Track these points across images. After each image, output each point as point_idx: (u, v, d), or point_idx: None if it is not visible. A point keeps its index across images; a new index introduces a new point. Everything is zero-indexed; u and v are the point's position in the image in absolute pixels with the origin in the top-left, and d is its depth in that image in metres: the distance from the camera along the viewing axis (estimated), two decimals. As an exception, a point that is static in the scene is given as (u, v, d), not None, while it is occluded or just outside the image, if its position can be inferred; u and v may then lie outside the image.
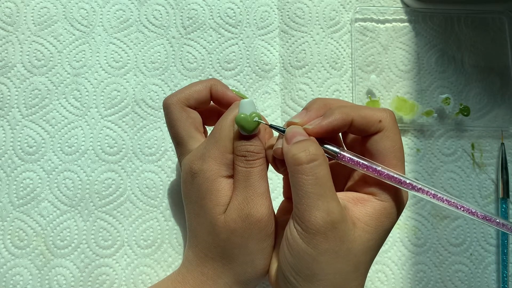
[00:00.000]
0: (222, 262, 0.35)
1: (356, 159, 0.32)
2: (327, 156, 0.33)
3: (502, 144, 0.49)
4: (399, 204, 0.33)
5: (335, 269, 0.31)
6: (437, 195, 0.32)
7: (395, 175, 0.32)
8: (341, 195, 0.33)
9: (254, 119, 0.34)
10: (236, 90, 0.42)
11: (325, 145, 0.33)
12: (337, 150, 0.33)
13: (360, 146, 0.34)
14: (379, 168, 0.32)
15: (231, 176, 0.36)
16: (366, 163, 0.32)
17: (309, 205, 0.30)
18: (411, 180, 0.32)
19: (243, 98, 0.39)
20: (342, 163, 0.33)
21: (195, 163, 0.36)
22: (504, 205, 0.48)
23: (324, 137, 0.33)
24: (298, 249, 0.31)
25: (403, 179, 0.32)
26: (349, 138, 0.36)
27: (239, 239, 0.34)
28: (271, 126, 0.35)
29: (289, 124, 0.34)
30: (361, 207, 0.32)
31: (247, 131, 0.34)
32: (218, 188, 0.35)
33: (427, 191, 0.32)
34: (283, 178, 0.39)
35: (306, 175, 0.30)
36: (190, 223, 0.38)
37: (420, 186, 0.32)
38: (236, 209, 0.34)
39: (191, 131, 0.38)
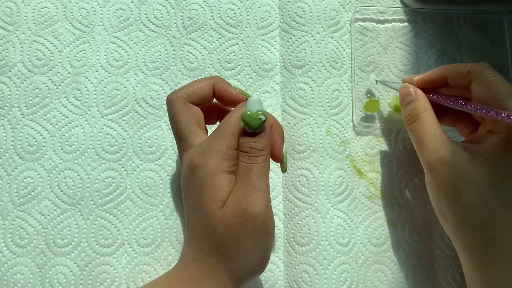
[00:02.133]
0: (217, 258, 0.35)
1: (454, 99, 0.40)
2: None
3: None
4: None
5: (458, 202, 0.37)
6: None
7: (491, 110, 0.36)
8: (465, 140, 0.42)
9: (259, 117, 0.35)
10: (240, 88, 0.42)
11: (433, 96, 0.41)
12: (441, 95, 0.41)
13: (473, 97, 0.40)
14: (474, 105, 0.38)
15: (232, 172, 0.36)
16: (462, 100, 0.39)
17: (421, 150, 0.39)
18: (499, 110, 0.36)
19: (246, 96, 0.40)
20: (446, 105, 0.41)
21: (197, 158, 0.36)
22: None
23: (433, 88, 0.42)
24: (430, 186, 0.39)
25: (501, 112, 0.36)
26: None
27: (234, 235, 0.34)
28: (382, 82, 0.47)
29: (404, 80, 0.44)
30: (480, 144, 0.37)
31: (252, 128, 0.35)
32: (217, 182, 0.35)
33: None
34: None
35: (412, 130, 0.40)
36: (188, 218, 0.38)
37: None
38: (233, 204, 0.34)
39: (193, 126, 0.38)
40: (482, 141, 0.37)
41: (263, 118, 0.35)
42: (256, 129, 0.35)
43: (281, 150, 0.39)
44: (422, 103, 0.40)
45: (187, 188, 0.37)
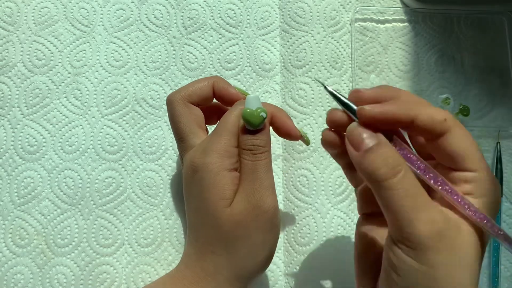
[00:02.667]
0: (223, 256, 0.35)
1: (422, 164, 0.29)
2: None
3: (498, 143, 0.49)
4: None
5: (453, 283, 0.27)
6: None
7: (464, 198, 0.28)
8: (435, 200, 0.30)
9: (260, 114, 0.35)
10: (239, 87, 0.42)
11: (395, 138, 0.29)
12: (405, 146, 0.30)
13: (433, 151, 0.31)
14: (452, 188, 0.28)
15: (234, 170, 0.36)
16: (432, 173, 0.29)
17: (408, 220, 0.27)
18: (477, 211, 0.28)
19: (245, 95, 0.40)
20: (418, 175, 0.29)
21: (198, 158, 0.36)
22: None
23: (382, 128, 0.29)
24: (410, 271, 0.27)
25: (461, 199, 0.28)
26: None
27: (243, 231, 0.35)
28: (332, 95, 0.31)
29: (354, 92, 0.30)
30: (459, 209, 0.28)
31: (253, 126, 0.35)
32: (221, 181, 0.35)
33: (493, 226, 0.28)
34: (358, 191, 0.36)
35: (394, 189, 0.27)
36: (190, 218, 0.38)
37: (484, 216, 0.28)
38: (243, 201, 0.35)
39: (193, 127, 0.38)
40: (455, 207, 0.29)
41: (264, 115, 0.35)
42: (257, 126, 0.35)
43: (294, 128, 0.39)
44: (395, 150, 0.29)
45: (189, 189, 0.37)
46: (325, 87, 0.31)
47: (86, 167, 0.47)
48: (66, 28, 0.51)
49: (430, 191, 0.29)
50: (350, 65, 0.51)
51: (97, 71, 0.50)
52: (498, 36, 0.52)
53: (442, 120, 0.28)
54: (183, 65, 0.50)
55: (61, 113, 0.48)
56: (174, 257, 0.45)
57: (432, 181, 0.29)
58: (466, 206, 0.28)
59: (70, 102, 0.49)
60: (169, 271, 0.39)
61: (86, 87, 0.49)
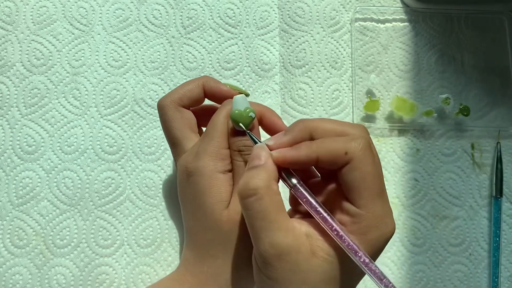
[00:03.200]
0: (223, 258, 0.35)
1: (307, 197, 0.31)
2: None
3: (498, 143, 0.49)
4: (380, 237, 0.31)
5: None
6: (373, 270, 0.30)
7: (336, 228, 0.30)
8: (313, 221, 0.32)
9: (249, 115, 0.35)
10: (230, 83, 0.42)
11: (287, 174, 0.32)
12: (295, 182, 0.32)
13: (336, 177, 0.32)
14: (325, 216, 0.30)
15: (228, 171, 0.36)
16: (315, 204, 0.31)
17: (255, 237, 0.30)
18: (353, 244, 0.29)
19: (238, 90, 0.40)
20: (296, 196, 0.32)
21: (190, 162, 0.36)
22: (496, 204, 0.48)
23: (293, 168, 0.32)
24: (258, 274, 0.31)
25: (343, 235, 0.30)
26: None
27: (243, 231, 0.35)
28: (249, 135, 0.34)
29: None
30: (327, 235, 0.30)
31: (242, 127, 0.35)
32: (216, 184, 0.35)
33: (366, 262, 0.29)
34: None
35: (246, 209, 0.30)
36: (187, 223, 0.38)
37: (357, 250, 0.29)
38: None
39: (186, 131, 0.38)
40: (326, 234, 0.31)
41: (253, 115, 0.35)
42: (246, 127, 0.35)
43: (284, 126, 0.38)
44: (270, 175, 0.30)
45: (184, 193, 0.37)
46: (249, 134, 0.34)
47: (85, 168, 0.47)
48: (64, 28, 0.50)
49: None
50: (350, 65, 0.51)
51: (96, 71, 0.49)
52: (498, 36, 0.52)
53: (342, 154, 0.30)
54: (182, 65, 0.50)
55: (59, 113, 0.48)
56: (174, 257, 0.45)
57: (314, 213, 0.31)
58: (334, 233, 0.30)
59: (69, 102, 0.48)
60: (169, 273, 0.39)
61: (85, 87, 0.49)
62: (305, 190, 0.31)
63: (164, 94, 0.49)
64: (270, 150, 0.32)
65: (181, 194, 0.38)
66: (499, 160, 0.48)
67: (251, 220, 0.30)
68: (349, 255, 0.30)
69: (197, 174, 0.35)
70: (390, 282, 0.30)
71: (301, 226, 0.31)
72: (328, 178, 0.33)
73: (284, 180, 0.32)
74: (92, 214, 0.46)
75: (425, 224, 0.47)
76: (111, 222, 0.46)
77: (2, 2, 0.51)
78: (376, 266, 0.30)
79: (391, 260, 0.46)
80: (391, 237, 0.31)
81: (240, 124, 0.35)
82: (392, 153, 0.49)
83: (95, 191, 0.46)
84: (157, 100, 0.48)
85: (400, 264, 0.46)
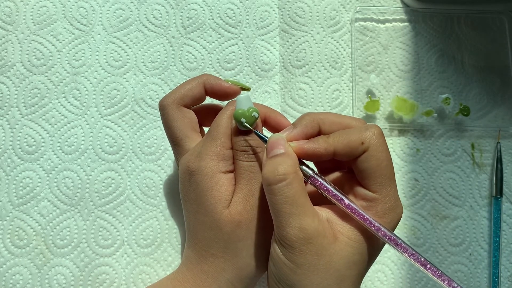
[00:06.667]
0: (224, 258, 0.35)
1: (327, 185, 0.32)
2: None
3: (498, 143, 0.49)
4: (393, 221, 0.33)
5: (312, 282, 0.31)
6: (399, 243, 0.32)
7: (359, 211, 0.32)
8: (330, 208, 0.34)
9: (252, 114, 0.34)
10: (231, 79, 0.42)
11: (302, 166, 0.33)
12: (310, 172, 0.33)
13: (350, 165, 0.34)
14: (347, 201, 0.32)
15: (230, 171, 0.36)
16: (335, 192, 0.32)
17: (282, 223, 0.31)
18: (375, 222, 0.31)
19: (239, 86, 0.39)
20: (314, 187, 0.33)
21: (192, 162, 0.36)
22: (496, 204, 0.48)
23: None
24: (278, 261, 0.32)
25: (366, 216, 0.31)
26: None
27: (244, 232, 0.35)
28: (256, 133, 0.35)
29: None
30: (347, 221, 0.32)
31: (245, 127, 0.35)
32: (218, 184, 0.35)
33: (388, 235, 0.31)
34: None
35: (275, 195, 0.31)
36: (189, 221, 0.38)
37: (381, 227, 0.31)
38: (242, 202, 0.35)
39: (187, 131, 0.38)
40: (346, 219, 0.33)
41: (256, 115, 0.35)
42: (250, 126, 0.35)
43: (289, 124, 0.38)
44: (295, 161, 0.32)
45: (186, 193, 0.37)
46: (255, 132, 0.35)
47: (85, 168, 0.47)
48: (65, 28, 0.50)
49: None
50: (350, 65, 0.51)
51: (96, 71, 0.49)
52: (498, 35, 0.52)
53: (358, 144, 0.32)
54: (182, 65, 0.50)
55: (60, 113, 0.48)
56: (174, 257, 0.45)
57: (339, 201, 0.32)
58: (356, 215, 0.32)
59: (69, 102, 0.48)
60: (169, 273, 0.39)
61: (85, 87, 0.49)
62: (323, 179, 0.33)
63: (164, 94, 0.49)
64: None
65: (183, 193, 0.38)
66: (499, 160, 0.48)
67: (280, 206, 0.30)
68: (374, 233, 0.31)
69: (199, 174, 0.35)
70: (416, 252, 0.32)
71: (322, 212, 0.33)
72: (337, 167, 0.36)
73: (301, 171, 0.32)
74: (92, 214, 0.46)
75: (425, 224, 0.47)
76: (111, 222, 0.46)
77: (2, 2, 0.51)
78: (401, 239, 0.32)
79: (391, 260, 0.46)
80: (401, 218, 0.33)
81: (245, 123, 0.34)
82: (392, 153, 0.49)
83: (95, 191, 0.46)
84: (157, 100, 0.49)
85: (400, 264, 0.46)
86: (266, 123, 0.39)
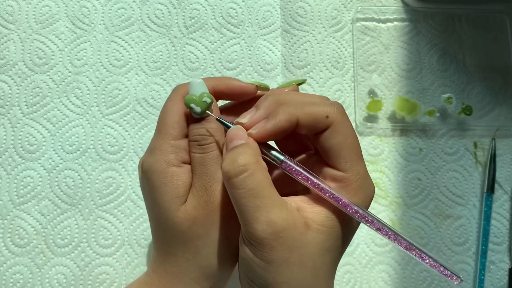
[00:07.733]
0: (185, 257, 0.33)
1: (299, 169, 0.30)
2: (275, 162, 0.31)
3: (493, 139, 0.49)
4: (365, 200, 0.31)
5: (288, 277, 0.29)
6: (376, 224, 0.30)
7: (335, 194, 0.30)
8: (298, 196, 0.31)
9: (204, 100, 0.32)
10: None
11: (271, 151, 0.31)
12: (281, 157, 0.31)
13: (315, 145, 0.32)
14: (322, 185, 0.30)
15: (184, 163, 0.33)
16: (308, 175, 0.30)
17: (248, 219, 0.28)
18: (352, 203, 0.30)
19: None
20: (286, 172, 0.31)
21: (144, 160, 0.34)
22: (488, 200, 0.47)
23: (278, 140, 0.32)
24: (249, 261, 0.29)
25: (341, 199, 0.30)
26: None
27: (201, 229, 0.32)
28: (218, 120, 0.32)
29: (236, 124, 0.31)
30: (318, 206, 0.30)
31: (197, 113, 0.32)
32: (172, 178, 0.33)
33: (364, 216, 0.30)
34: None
35: (237, 188, 0.28)
36: (150, 223, 0.36)
37: (356, 208, 0.30)
38: (196, 196, 0.32)
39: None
40: (317, 205, 0.30)
41: (208, 100, 0.32)
42: (202, 113, 0.32)
43: (244, 84, 0.35)
44: (255, 151, 0.30)
45: (143, 193, 0.35)
46: (218, 119, 0.32)
47: (86, 167, 0.46)
48: (67, 27, 0.50)
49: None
50: (352, 65, 0.51)
51: (98, 71, 0.49)
52: (499, 34, 0.52)
53: (323, 117, 0.30)
54: (184, 65, 0.50)
55: (61, 112, 0.48)
56: (175, 257, 0.45)
57: (312, 185, 0.30)
58: (330, 196, 0.30)
59: (70, 102, 0.48)
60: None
61: (87, 87, 0.49)
62: (295, 163, 0.31)
63: (166, 94, 0.49)
64: (246, 130, 0.31)
65: (142, 194, 0.36)
66: (493, 157, 0.48)
67: (243, 200, 0.28)
68: (349, 214, 0.30)
69: (150, 171, 0.33)
70: (391, 230, 0.30)
71: (291, 202, 0.30)
72: (303, 150, 0.33)
73: (269, 158, 0.31)
74: (93, 213, 0.45)
75: (429, 223, 0.47)
76: (112, 222, 0.45)
77: (5, 1, 0.51)
78: (377, 218, 0.30)
79: (395, 260, 0.46)
80: (373, 197, 0.31)
81: (195, 109, 0.32)
82: (394, 153, 0.49)
83: (96, 190, 0.46)
84: (159, 100, 0.49)
85: (404, 263, 0.46)
86: (220, 94, 0.35)
